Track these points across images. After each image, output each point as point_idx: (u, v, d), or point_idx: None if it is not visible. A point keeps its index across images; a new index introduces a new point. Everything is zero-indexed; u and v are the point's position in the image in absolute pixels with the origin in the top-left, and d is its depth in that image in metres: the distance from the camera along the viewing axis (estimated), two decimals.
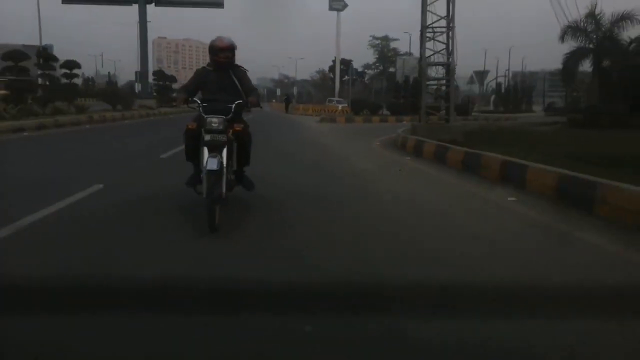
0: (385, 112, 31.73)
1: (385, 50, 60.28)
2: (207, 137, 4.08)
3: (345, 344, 2.04)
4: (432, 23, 12.82)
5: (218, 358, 1.98)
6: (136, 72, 36.27)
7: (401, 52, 54.32)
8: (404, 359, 2.01)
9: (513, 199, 5.55)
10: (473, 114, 37.27)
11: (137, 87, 37.48)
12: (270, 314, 2.25)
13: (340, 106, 33.87)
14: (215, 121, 4.05)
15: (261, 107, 5.86)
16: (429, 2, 12.76)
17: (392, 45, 60.89)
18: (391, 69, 53.69)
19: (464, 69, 41.73)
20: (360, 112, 30.78)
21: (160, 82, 33.51)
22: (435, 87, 14.19)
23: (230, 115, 4.17)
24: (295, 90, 66.69)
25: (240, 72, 4.61)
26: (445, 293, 2.65)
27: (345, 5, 44.73)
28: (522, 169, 6.20)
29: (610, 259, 3.61)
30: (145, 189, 5.66)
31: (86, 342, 2.00)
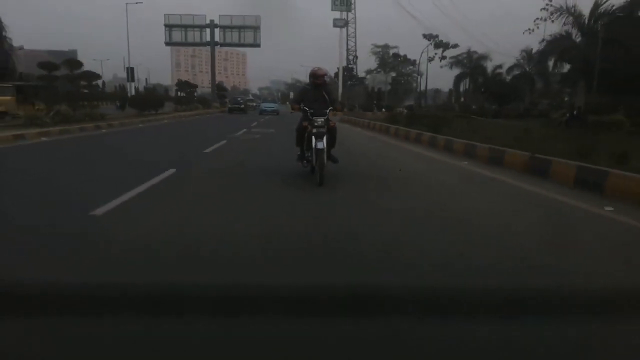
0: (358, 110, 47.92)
1: (385, 57, 63.53)
2: (315, 130, 6.49)
3: (346, 348, 2.03)
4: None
5: None
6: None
7: (400, 59, 61.51)
8: None
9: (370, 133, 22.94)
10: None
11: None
12: (269, 317, 2.27)
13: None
14: (319, 120, 6.51)
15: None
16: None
17: (392, 52, 64.07)
18: (392, 74, 62.12)
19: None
20: (341, 110, 48.05)
21: (219, 92, 53.12)
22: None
23: (326, 117, 6.59)
24: None
25: (329, 88, 7.11)
26: (443, 294, 2.65)
27: (347, 23, 52.56)
28: (387, 128, 18.89)
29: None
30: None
31: (87, 344, 2.01)
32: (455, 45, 45.64)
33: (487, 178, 7.74)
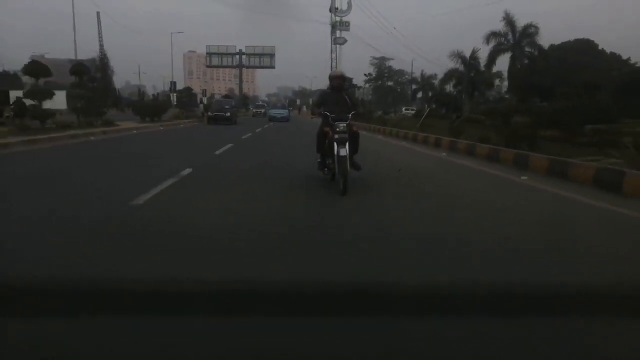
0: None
1: (382, 68, 70.60)
2: (337, 136, 6.14)
3: (347, 347, 2.04)
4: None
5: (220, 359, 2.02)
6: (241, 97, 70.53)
7: (395, 69, 70.06)
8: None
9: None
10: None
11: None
12: (269, 316, 2.29)
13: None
14: (341, 126, 6.22)
15: (364, 116, 16.79)
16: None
17: (388, 64, 70.99)
18: (389, 83, 70.93)
19: None
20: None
21: (244, 100, 70.12)
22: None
23: (348, 122, 6.32)
24: (311, 101, 76.22)
25: (350, 92, 7.17)
26: (446, 292, 2.69)
27: (345, 41, 58.28)
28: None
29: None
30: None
31: (88, 344, 2.03)
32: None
33: (388, 142, 19.71)
